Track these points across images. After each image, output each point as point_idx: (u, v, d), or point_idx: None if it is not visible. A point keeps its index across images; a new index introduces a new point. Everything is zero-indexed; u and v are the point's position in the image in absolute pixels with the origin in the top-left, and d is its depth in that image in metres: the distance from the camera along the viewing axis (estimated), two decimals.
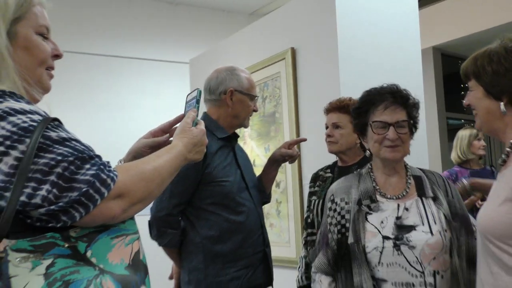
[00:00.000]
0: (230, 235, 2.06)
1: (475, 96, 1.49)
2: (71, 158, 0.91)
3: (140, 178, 1.01)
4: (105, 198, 0.93)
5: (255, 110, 2.25)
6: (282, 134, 3.24)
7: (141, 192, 1.00)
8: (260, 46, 3.52)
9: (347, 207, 1.75)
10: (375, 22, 2.97)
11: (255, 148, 3.50)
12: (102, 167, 0.94)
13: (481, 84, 1.47)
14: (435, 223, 1.66)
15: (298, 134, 3.10)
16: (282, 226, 3.22)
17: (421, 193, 1.72)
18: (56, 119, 0.98)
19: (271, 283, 2.20)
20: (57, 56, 1.13)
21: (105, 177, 0.93)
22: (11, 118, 0.91)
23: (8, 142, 0.89)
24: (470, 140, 3.36)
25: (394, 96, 1.74)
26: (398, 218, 1.67)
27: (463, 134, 3.40)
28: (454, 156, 3.47)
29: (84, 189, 0.90)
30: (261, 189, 2.33)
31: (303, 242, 2.45)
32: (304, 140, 2.48)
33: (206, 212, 2.06)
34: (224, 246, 2.05)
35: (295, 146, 2.36)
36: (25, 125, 0.91)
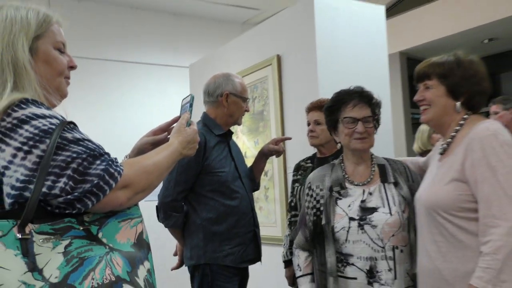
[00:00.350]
0: (226, 217, 2.07)
1: (435, 93, 1.53)
2: (84, 155, 0.92)
3: (142, 171, 1.01)
4: (113, 189, 0.94)
5: (247, 110, 2.26)
6: (270, 129, 3.23)
7: (143, 183, 1.01)
8: (250, 53, 3.49)
9: (322, 193, 1.76)
10: (348, 32, 2.96)
11: (246, 141, 3.48)
12: (110, 162, 0.95)
13: (446, 84, 1.51)
14: (394, 205, 1.66)
15: (283, 129, 3.09)
16: (270, 209, 3.21)
17: (384, 179, 1.72)
18: (71, 122, 0.98)
19: (260, 259, 2.22)
20: (72, 67, 1.13)
21: (113, 171, 0.94)
22: (34, 122, 0.92)
23: (31, 142, 0.90)
24: (429, 133, 3.33)
25: (361, 96, 1.75)
26: (362, 201, 1.68)
27: (424, 128, 3.37)
28: (416, 147, 3.44)
29: (95, 181, 0.91)
30: (252, 178, 2.34)
31: (288, 222, 2.44)
32: (289, 138, 2.47)
33: (205, 198, 2.08)
34: (221, 226, 2.06)
35: (281, 143, 2.36)
36: (45, 127, 0.92)
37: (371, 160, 1.79)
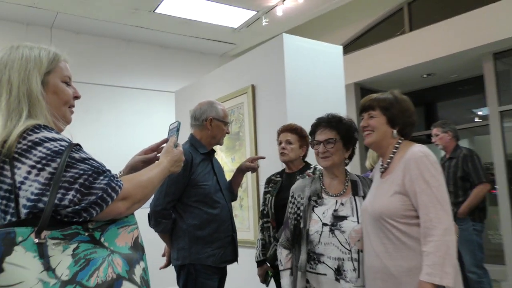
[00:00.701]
0: (208, 224, 2.08)
1: (379, 121, 1.64)
2: (89, 172, 0.95)
3: (138, 185, 1.04)
4: (114, 200, 0.96)
5: (228, 133, 2.27)
6: (245, 148, 3.25)
7: (139, 196, 1.03)
8: (228, 83, 3.52)
9: (302, 201, 1.79)
10: (312, 66, 3.03)
11: (224, 158, 3.49)
12: (112, 178, 0.97)
13: (387, 115, 1.62)
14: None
15: (256, 148, 3.12)
16: (244, 216, 3.21)
17: (355, 193, 1.75)
18: (78, 144, 1.00)
19: (237, 259, 2.23)
20: (76, 97, 1.14)
21: (114, 185, 0.96)
22: (46, 144, 0.94)
23: (44, 161, 0.92)
24: None
25: (325, 122, 1.80)
26: (335, 210, 1.71)
27: None
28: (367, 164, 3.46)
29: (99, 194, 0.94)
30: (231, 191, 2.35)
31: (260, 228, 2.46)
32: (263, 158, 2.45)
33: (191, 207, 2.08)
34: (204, 231, 2.07)
35: (256, 161, 2.37)
36: (56, 149, 0.94)
37: (346, 175, 1.81)
